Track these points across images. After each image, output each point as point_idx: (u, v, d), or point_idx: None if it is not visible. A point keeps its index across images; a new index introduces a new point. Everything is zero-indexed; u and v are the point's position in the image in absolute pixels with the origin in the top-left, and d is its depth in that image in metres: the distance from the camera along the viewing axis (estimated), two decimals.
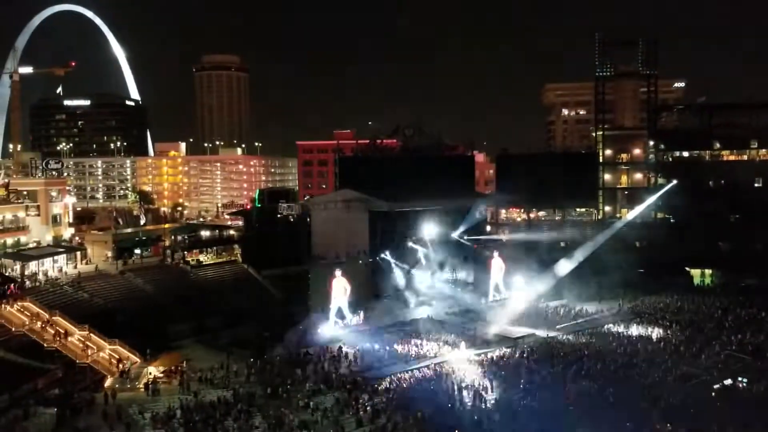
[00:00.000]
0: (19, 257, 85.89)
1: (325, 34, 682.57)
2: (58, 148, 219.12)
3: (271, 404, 56.23)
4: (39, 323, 69.60)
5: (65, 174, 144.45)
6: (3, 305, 70.31)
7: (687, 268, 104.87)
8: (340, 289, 78.91)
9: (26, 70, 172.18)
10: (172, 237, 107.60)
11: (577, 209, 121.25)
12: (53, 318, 70.83)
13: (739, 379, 58.84)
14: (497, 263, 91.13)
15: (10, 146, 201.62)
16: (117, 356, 68.62)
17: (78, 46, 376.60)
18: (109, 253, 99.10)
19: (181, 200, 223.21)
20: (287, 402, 56.70)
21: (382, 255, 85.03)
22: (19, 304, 71.68)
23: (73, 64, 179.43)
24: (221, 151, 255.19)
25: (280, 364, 67.52)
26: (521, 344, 72.68)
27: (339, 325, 78.29)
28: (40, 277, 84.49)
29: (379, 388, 59.72)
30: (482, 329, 77.71)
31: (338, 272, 79.09)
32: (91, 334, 69.96)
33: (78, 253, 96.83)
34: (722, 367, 62.86)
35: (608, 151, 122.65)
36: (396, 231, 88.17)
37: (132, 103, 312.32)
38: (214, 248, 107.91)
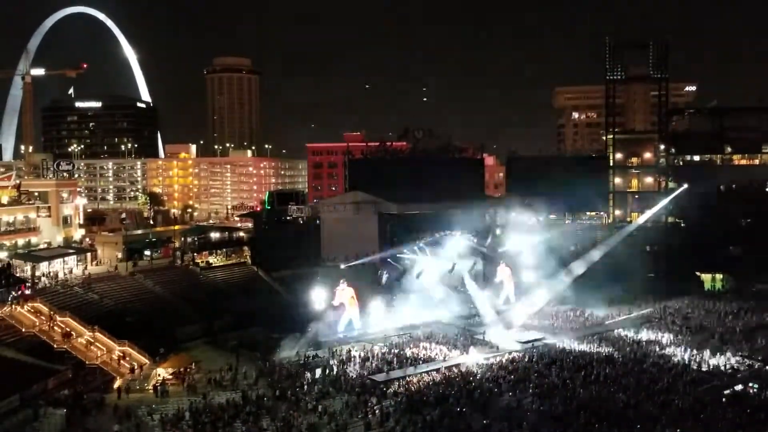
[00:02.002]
0: (30, 258, 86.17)
1: (332, 37, 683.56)
2: (70, 149, 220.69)
3: (279, 407, 56.26)
4: (47, 323, 69.85)
5: (76, 175, 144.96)
6: (14, 306, 70.63)
7: (698, 273, 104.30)
8: (347, 299, 78.89)
9: (38, 71, 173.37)
10: (182, 239, 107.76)
11: (588, 213, 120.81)
12: (55, 316, 70.94)
13: (750, 384, 58.51)
14: (505, 272, 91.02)
15: (22, 147, 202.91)
16: (121, 354, 68.72)
17: (89, 48, 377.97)
18: (119, 255, 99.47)
19: (191, 202, 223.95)
20: (296, 405, 56.71)
21: (391, 259, 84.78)
22: (29, 304, 71.97)
23: (85, 65, 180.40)
24: (231, 153, 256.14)
25: (288, 366, 67.61)
26: (531, 349, 72.48)
27: (348, 332, 78.34)
28: (51, 277, 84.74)
29: (388, 391, 59.67)
30: (492, 333, 77.58)
31: (343, 283, 79.01)
32: (99, 335, 70.08)
33: (88, 254, 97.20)
34: (733, 372, 62.59)
35: (619, 155, 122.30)
36: (406, 233, 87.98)
37: (143, 105, 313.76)
38: (224, 250, 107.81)
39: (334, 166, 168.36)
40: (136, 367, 67.31)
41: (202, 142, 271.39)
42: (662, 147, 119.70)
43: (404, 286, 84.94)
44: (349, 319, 79.05)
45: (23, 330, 67.63)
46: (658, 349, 70.48)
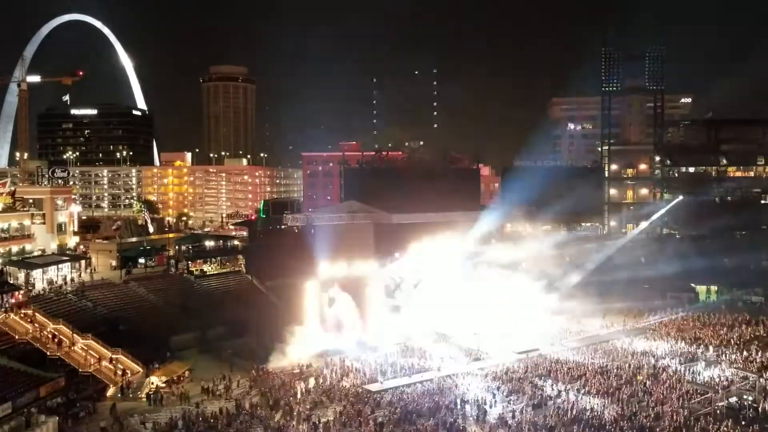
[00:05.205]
0: (24, 265, 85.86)
1: (331, 45, 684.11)
2: (65, 156, 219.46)
3: (272, 416, 56.02)
4: (41, 330, 69.51)
5: (71, 183, 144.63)
6: (7, 313, 70.31)
7: (693, 284, 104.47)
8: (344, 310, 78.80)
9: (34, 79, 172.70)
10: (177, 247, 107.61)
11: (583, 224, 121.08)
12: (42, 321, 70.60)
13: (744, 397, 58.52)
14: (499, 282, 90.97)
15: (17, 154, 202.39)
16: (110, 359, 68.24)
17: (86, 55, 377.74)
18: (114, 262, 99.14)
19: (185, 210, 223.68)
20: (289, 414, 56.49)
21: (387, 268, 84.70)
22: (22, 311, 71.63)
23: (81, 73, 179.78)
24: (227, 161, 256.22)
25: (282, 375, 67.38)
26: (525, 359, 72.38)
27: (343, 341, 78.18)
28: (45, 285, 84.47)
29: (382, 401, 59.53)
30: (486, 344, 77.44)
31: (336, 288, 78.77)
32: (93, 343, 69.73)
33: (82, 261, 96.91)
34: (727, 384, 62.56)
35: (614, 166, 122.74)
36: (400, 243, 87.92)
37: (138, 113, 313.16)
38: (218, 258, 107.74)
39: (330, 176, 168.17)
40: (128, 374, 66.89)
41: (197, 150, 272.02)
42: (657, 158, 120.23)
43: (400, 297, 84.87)
44: (350, 332, 78.90)
45: (16, 337, 67.31)
46: (652, 360, 70.45)
